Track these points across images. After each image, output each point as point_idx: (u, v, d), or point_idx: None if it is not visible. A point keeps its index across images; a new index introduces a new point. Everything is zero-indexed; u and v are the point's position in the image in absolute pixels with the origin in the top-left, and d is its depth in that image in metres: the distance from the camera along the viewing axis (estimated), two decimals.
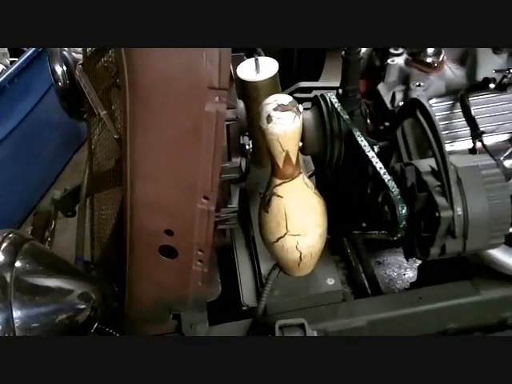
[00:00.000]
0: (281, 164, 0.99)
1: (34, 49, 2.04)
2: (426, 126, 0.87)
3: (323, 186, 1.33)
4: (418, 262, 1.48)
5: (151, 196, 0.94)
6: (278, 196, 1.03)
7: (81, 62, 1.23)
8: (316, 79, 2.22)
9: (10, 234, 0.92)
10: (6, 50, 2.25)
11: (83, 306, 0.96)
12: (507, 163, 1.03)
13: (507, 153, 1.04)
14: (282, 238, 1.05)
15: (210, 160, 0.89)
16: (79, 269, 1.15)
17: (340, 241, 1.54)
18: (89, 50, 1.19)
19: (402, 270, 1.80)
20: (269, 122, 0.93)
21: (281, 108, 0.93)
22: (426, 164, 0.87)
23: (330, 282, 1.19)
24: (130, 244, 1.02)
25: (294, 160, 1.00)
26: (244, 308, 1.20)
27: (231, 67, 1.30)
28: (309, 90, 1.87)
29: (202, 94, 0.83)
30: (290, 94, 1.84)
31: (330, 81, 1.91)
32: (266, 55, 1.65)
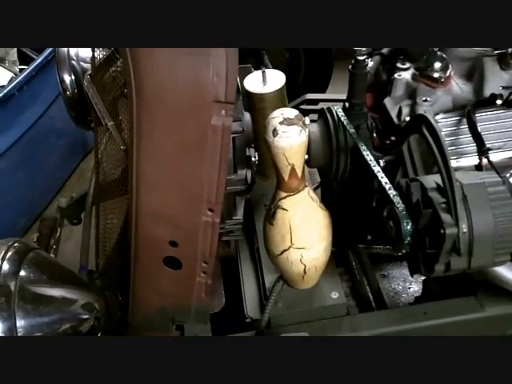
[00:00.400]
0: (286, 177, 0.99)
1: (43, 57, 2.06)
2: (431, 142, 0.87)
3: (329, 198, 1.33)
4: (423, 276, 1.47)
5: (156, 206, 0.94)
6: (283, 209, 1.03)
7: (89, 72, 1.24)
8: (323, 91, 2.23)
9: (15, 243, 0.92)
10: (15, 57, 2.28)
11: (86, 316, 0.96)
12: None
13: None
14: (286, 250, 1.05)
15: (215, 172, 0.89)
16: (83, 278, 1.15)
17: (345, 253, 1.54)
18: (97, 60, 1.19)
19: (407, 283, 1.79)
20: (275, 136, 0.93)
21: (287, 122, 0.93)
22: (432, 180, 0.87)
23: (334, 295, 1.18)
24: (134, 254, 1.02)
25: (299, 173, 1.00)
26: (247, 320, 1.20)
27: (238, 80, 1.31)
28: (315, 101, 1.88)
29: (208, 107, 0.83)
30: (297, 105, 1.85)
31: (337, 93, 1.92)
32: (273, 67, 1.66)
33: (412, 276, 0.99)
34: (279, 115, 0.94)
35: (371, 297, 1.50)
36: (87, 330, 0.95)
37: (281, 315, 1.16)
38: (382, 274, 1.79)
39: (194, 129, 0.86)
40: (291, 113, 0.95)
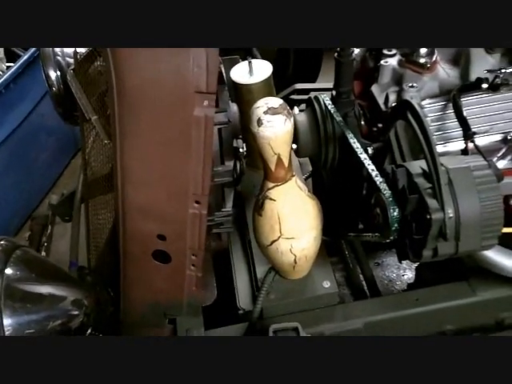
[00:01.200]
0: (273, 167, 0.99)
1: (29, 54, 2.04)
2: (416, 127, 0.86)
3: (320, 187, 1.32)
4: (417, 263, 1.47)
5: (142, 201, 0.94)
6: (271, 199, 1.02)
7: (72, 66, 1.23)
8: (314, 81, 2.21)
9: (0, 241, 0.91)
10: (2, 55, 2.26)
11: (76, 313, 0.96)
12: (500, 164, 1.02)
13: (500, 153, 1.03)
14: (275, 241, 1.05)
15: (200, 164, 0.88)
16: (73, 274, 1.14)
17: (338, 242, 1.53)
18: (80, 54, 1.18)
19: (401, 270, 1.79)
20: (259, 126, 0.93)
21: (271, 111, 0.92)
22: (417, 166, 0.87)
23: (326, 284, 1.18)
24: (123, 249, 1.02)
25: (286, 163, 0.99)
26: (240, 312, 1.19)
27: (223, 70, 1.31)
28: (305, 91, 1.86)
29: (190, 98, 0.82)
30: (287, 95, 1.84)
31: (327, 82, 1.91)
32: (262, 57, 1.65)
33: (400, 262, 0.99)
34: (263, 105, 0.94)
35: (365, 285, 1.50)
36: (76, 326, 0.95)
37: (273, 306, 1.16)
38: (375, 262, 1.79)
39: (177, 120, 0.85)
40: (275, 102, 0.94)
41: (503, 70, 1.05)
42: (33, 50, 2.05)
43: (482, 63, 1.11)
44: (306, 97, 1.81)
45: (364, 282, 1.51)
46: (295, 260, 1.07)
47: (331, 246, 1.36)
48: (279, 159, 0.97)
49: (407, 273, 1.77)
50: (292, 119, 0.95)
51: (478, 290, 1.15)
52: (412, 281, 1.61)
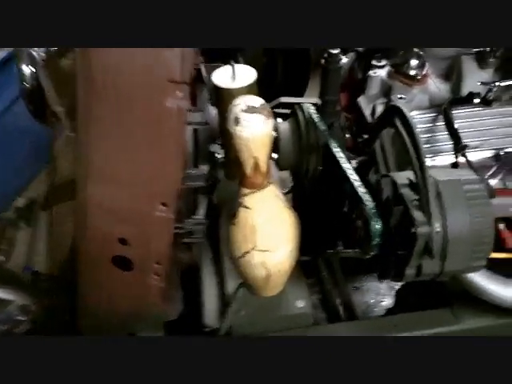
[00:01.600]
0: (249, 172, 0.91)
1: (6, 53, 1.97)
2: (404, 134, 0.80)
3: (301, 203, 1.26)
4: (396, 284, 1.42)
5: (104, 200, 0.87)
6: (246, 207, 0.95)
7: (43, 58, 1.17)
8: (302, 94, 2.17)
9: None
10: None
11: (21, 318, 0.87)
12: (491, 182, 0.97)
13: (491, 171, 0.98)
14: (248, 253, 0.97)
15: (169, 162, 0.82)
16: (24, 280, 1.06)
17: (315, 263, 1.47)
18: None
19: (380, 296, 1.73)
20: (236, 125, 0.86)
21: (250, 110, 0.86)
22: (404, 176, 0.80)
23: (300, 304, 1.11)
24: (81, 254, 0.94)
25: (264, 168, 0.92)
26: (206, 329, 1.11)
27: (204, 72, 1.25)
28: (291, 105, 1.81)
29: (162, 87, 0.76)
30: (271, 108, 1.79)
31: (313, 97, 1.86)
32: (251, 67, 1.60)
33: (381, 282, 0.92)
34: (242, 102, 0.87)
35: (341, 309, 1.43)
36: (22, 332, 0.87)
37: (242, 324, 1.08)
38: (354, 286, 1.72)
39: (147, 111, 0.79)
40: (255, 101, 0.88)
41: (497, 83, 1.00)
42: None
43: (475, 78, 1.07)
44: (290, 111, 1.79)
45: (340, 306, 1.45)
46: (268, 274, 1.00)
47: (308, 267, 1.30)
48: (256, 163, 0.90)
49: (386, 299, 1.71)
50: (272, 120, 0.89)
51: (461, 317, 1.09)
52: (391, 306, 1.56)
